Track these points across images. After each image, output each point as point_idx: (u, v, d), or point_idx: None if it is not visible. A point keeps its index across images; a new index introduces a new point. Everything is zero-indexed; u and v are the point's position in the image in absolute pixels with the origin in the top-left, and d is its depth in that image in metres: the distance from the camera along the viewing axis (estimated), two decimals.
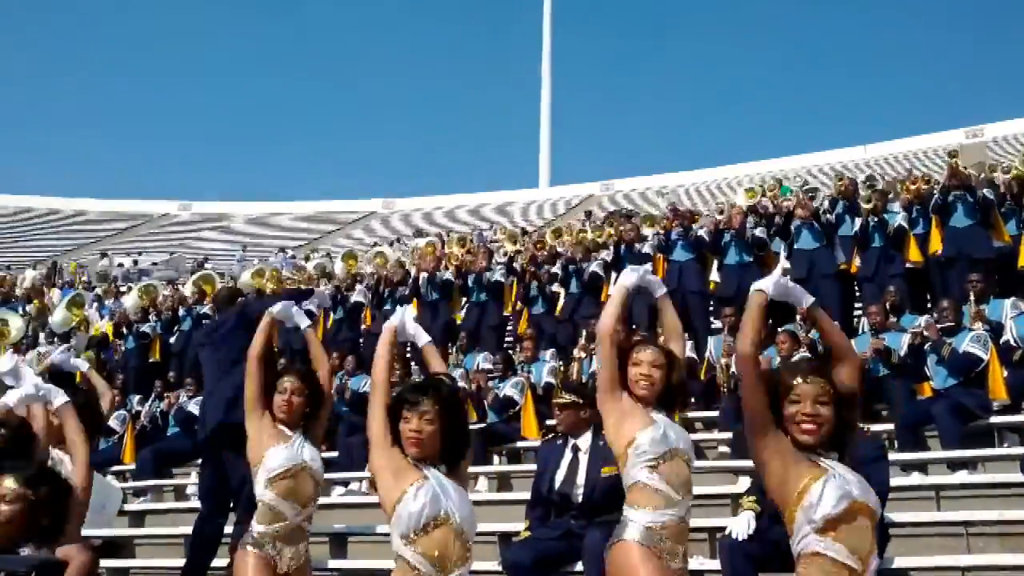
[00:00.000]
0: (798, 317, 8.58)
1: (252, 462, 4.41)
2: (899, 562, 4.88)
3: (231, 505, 5.90)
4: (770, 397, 3.00)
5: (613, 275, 10.73)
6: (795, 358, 7.64)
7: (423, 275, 11.52)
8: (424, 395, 3.19)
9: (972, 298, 7.84)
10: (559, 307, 10.80)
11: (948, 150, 10.90)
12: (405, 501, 3.08)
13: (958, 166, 9.71)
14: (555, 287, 10.85)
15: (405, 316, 3.73)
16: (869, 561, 2.87)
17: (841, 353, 3.27)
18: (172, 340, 12.26)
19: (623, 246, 10.43)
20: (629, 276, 3.90)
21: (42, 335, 14.41)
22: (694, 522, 5.50)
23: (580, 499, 5.13)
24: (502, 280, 11.20)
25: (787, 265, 3.53)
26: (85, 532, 7.49)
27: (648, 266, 4.04)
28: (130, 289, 17.44)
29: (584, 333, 9.61)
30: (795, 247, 9.75)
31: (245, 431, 4.50)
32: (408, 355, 9.86)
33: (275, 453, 4.32)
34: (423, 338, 3.79)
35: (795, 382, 2.97)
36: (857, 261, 9.53)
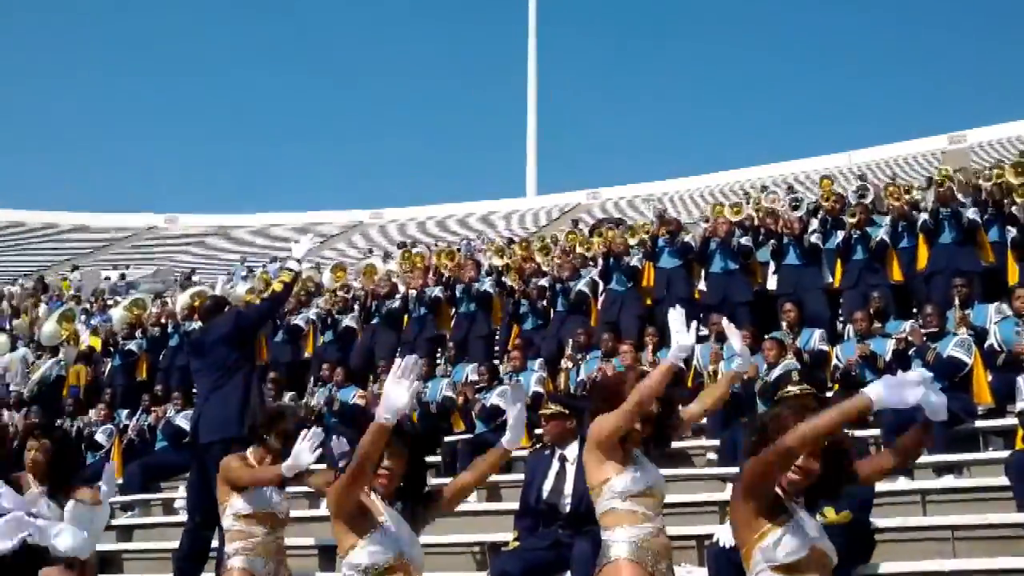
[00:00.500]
0: (784, 324, 8.63)
1: (220, 498, 4.60)
2: (885, 567, 4.92)
3: (219, 519, 5.90)
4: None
5: (600, 287, 10.76)
6: (781, 365, 7.68)
7: (412, 292, 11.51)
8: (394, 435, 3.24)
9: (957, 303, 7.90)
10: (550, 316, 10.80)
11: (934, 179, 10.95)
12: (361, 546, 3.19)
13: (947, 192, 9.75)
14: (545, 302, 10.84)
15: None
16: None
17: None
18: (160, 358, 12.22)
19: (611, 258, 10.43)
20: (681, 351, 3.80)
21: (24, 349, 14.30)
22: (682, 530, 5.55)
23: (568, 509, 5.15)
24: (491, 291, 11.20)
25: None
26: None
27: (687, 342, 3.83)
28: (117, 303, 17.39)
29: (571, 343, 9.64)
30: (783, 263, 9.78)
31: (235, 448, 4.60)
32: None
33: (245, 496, 4.55)
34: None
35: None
36: (839, 275, 9.60)
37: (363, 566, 3.16)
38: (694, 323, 3.94)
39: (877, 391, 2.83)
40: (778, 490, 2.97)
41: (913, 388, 2.83)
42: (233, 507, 4.51)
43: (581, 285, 10.60)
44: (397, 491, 3.38)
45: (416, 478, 3.44)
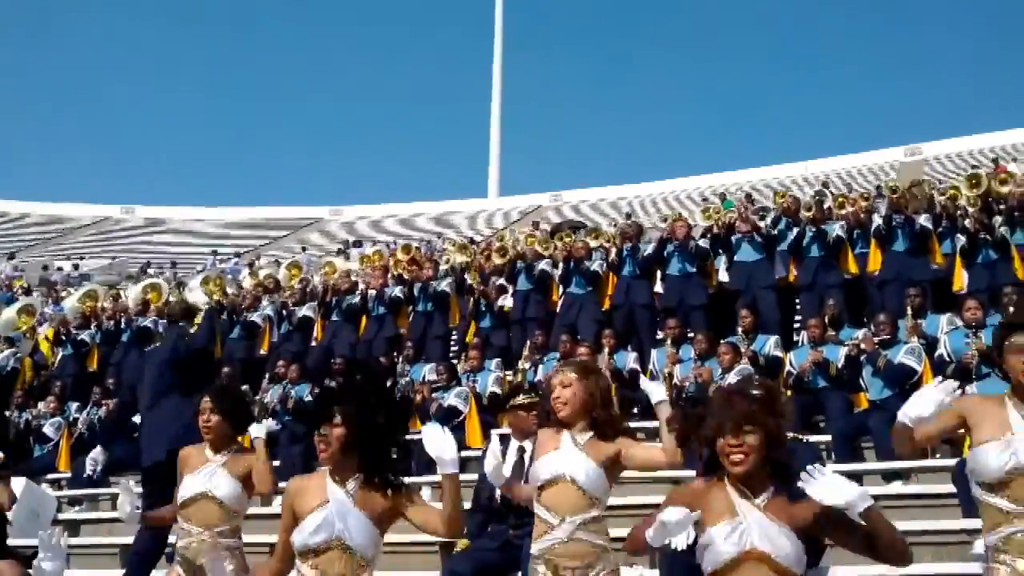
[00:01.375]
0: (740, 329, 8.71)
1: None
2: (834, 571, 4.96)
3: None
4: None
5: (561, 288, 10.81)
6: (736, 370, 7.75)
7: (371, 292, 11.47)
8: (334, 403, 3.23)
9: (910, 312, 8.03)
10: (508, 306, 10.83)
11: (889, 185, 11.14)
12: (302, 525, 3.17)
13: (900, 200, 9.91)
14: (502, 301, 10.86)
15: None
16: None
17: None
18: (114, 351, 12.05)
19: (572, 262, 10.47)
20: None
21: None
22: (637, 499, 5.55)
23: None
24: (448, 291, 11.19)
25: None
26: (18, 541, 7.38)
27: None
28: (69, 293, 17.13)
29: (529, 344, 9.65)
30: (735, 259, 9.87)
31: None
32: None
33: (184, 482, 4.43)
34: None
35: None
36: (795, 271, 9.72)
37: (297, 547, 3.16)
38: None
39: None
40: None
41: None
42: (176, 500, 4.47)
43: (544, 264, 10.68)
44: (358, 466, 3.22)
45: (375, 451, 3.23)
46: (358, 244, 22.06)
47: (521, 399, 5.40)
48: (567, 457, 3.69)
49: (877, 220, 9.77)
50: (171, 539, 5.77)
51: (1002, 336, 3.43)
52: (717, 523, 2.84)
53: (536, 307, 10.49)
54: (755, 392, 2.96)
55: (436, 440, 3.17)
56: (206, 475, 4.39)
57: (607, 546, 3.66)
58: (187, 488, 4.39)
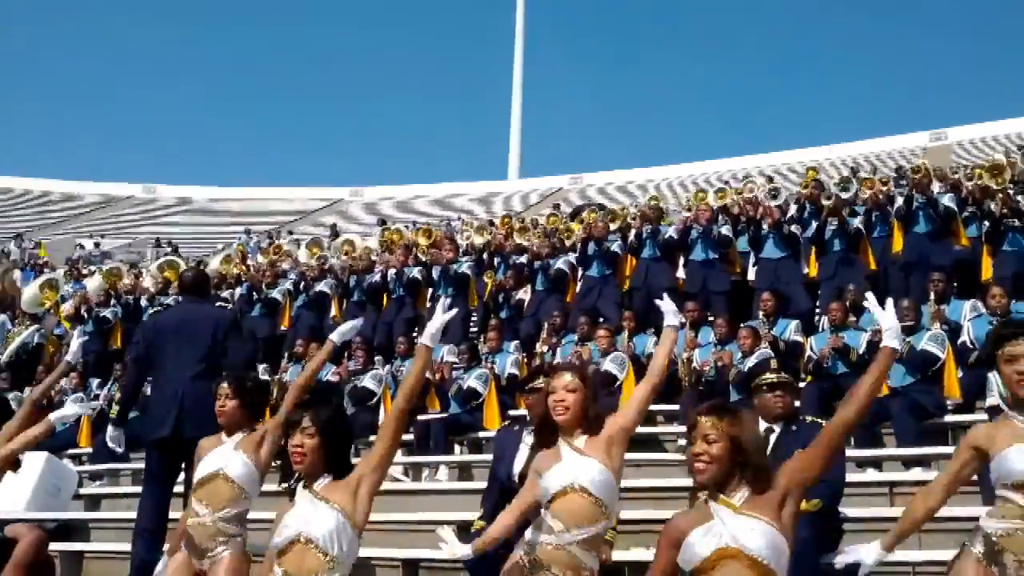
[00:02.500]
0: (760, 314, 8.65)
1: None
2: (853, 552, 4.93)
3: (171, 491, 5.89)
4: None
5: (580, 271, 10.77)
6: (756, 354, 7.71)
7: (391, 271, 11.47)
8: (301, 411, 3.59)
9: (933, 297, 7.96)
10: (524, 305, 10.82)
11: (912, 166, 11.00)
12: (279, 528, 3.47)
13: (923, 179, 9.79)
14: (522, 295, 10.82)
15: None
16: None
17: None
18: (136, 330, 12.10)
19: (591, 242, 10.43)
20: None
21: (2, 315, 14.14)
22: (652, 514, 5.56)
23: None
24: (468, 273, 11.18)
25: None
26: (40, 515, 7.46)
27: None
28: (91, 272, 17.23)
29: (546, 327, 9.63)
30: (761, 256, 9.80)
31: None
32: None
33: (203, 462, 4.46)
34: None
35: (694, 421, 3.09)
36: (816, 266, 9.64)
37: (272, 547, 3.45)
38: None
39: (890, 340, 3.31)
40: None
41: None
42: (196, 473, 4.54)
43: (560, 264, 10.62)
44: (324, 469, 3.55)
45: (337, 449, 3.58)
46: (382, 223, 22.03)
47: (540, 382, 5.38)
48: (572, 466, 3.64)
49: (899, 201, 9.68)
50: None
51: (995, 344, 3.51)
52: (695, 528, 2.98)
53: (554, 306, 10.41)
54: (724, 408, 3.13)
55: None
56: (220, 455, 4.41)
57: (594, 570, 3.61)
58: (202, 469, 4.42)
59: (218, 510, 4.32)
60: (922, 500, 3.68)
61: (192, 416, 5.60)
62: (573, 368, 3.96)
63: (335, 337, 4.84)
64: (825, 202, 9.75)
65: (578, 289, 10.58)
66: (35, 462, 7.98)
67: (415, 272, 11.39)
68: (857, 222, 9.60)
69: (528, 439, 5.29)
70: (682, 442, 7.69)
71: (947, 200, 9.46)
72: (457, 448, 8.56)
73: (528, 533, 3.69)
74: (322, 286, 11.88)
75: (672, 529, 3.08)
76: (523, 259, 11.15)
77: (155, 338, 5.99)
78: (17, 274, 19.82)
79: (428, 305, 11.21)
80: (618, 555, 5.01)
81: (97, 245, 29.21)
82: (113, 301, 12.67)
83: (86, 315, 12.59)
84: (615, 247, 10.40)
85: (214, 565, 4.28)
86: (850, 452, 6.39)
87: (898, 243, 9.43)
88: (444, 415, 8.62)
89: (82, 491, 8.75)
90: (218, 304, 6.26)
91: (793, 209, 10.39)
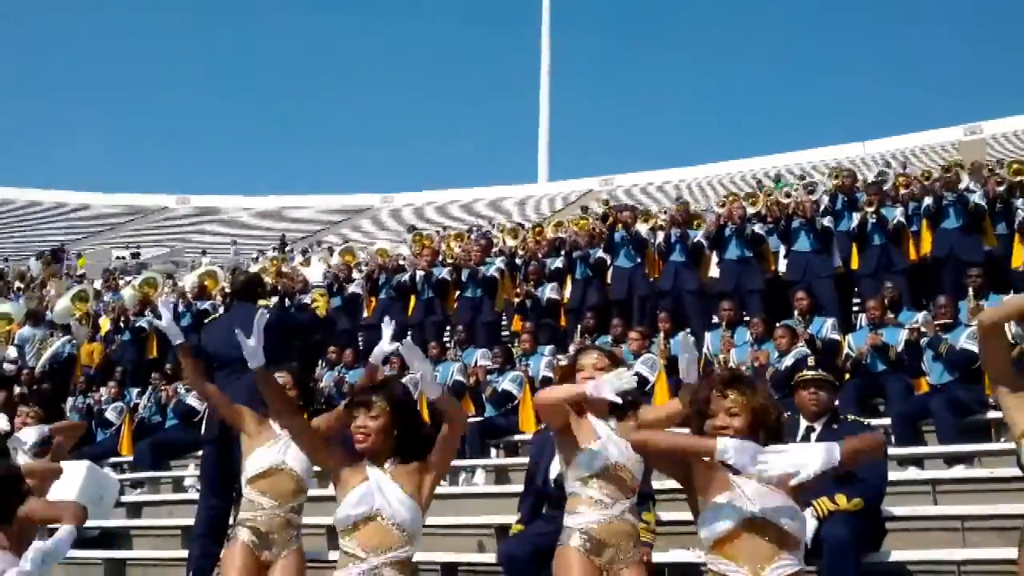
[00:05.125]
0: (796, 312, 8.58)
1: (245, 458, 4.50)
2: (895, 555, 4.89)
3: (231, 494, 5.90)
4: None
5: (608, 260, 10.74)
6: (793, 352, 7.65)
7: (419, 273, 11.51)
8: (371, 393, 3.50)
9: (971, 293, 7.87)
10: (566, 296, 10.80)
11: (945, 164, 10.91)
12: (343, 501, 3.41)
13: (953, 178, 9.72)
14: (550, 293, 10.79)
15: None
16: (766, 569, 2.88)
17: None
18: None
19: (615, 230, 10.45)
20: (601, 388, 3.57)
21: (25, 328, 14.27)
22: (683, 515, 5.53)
23: None
24: (496, 276, 11.19)
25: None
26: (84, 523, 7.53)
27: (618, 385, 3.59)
28: (128, 282, 17.43)
29: (579, 328, 9.63)
30: (792, 249, 9.73)
31: None
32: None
33: (258, 454, 4.42)
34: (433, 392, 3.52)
35: (712, 394, 3.05)
36: (857, 260, 9.55)
37: (338, 522, 3.39)
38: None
39: (725, 445, 2.85)
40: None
41: (757, 458, 2.83)
42: (247, 466, 4.43)
43: (600, 252, 10.61)
44: (393, 452, 3.47)
45: (408, 441, 3.48)
46: (412, 229, 22.17)
47: None
48: (614, 445, 3.69)
49: (928, 200, 9.61)
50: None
51: None
52: (716, 496, 2.94)
53: (596, 294, 10.41)
54: (743, 380, 3.12)
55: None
56: (280, 449, 4.41)
57: (638, 529, 3.78)
58: (260, 460, 4.39)
59: (285, 503, 4.36)
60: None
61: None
62: (607, 351, 3.96)
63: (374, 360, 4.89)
64: (866, 199, 9.66)
65: (609, 279, 10.56)
66: (77, 471, 8.08)
67: (444, 273, 11.41)
68: (899, 215, 9.51)
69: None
70: None
71: (977, 198, 9.35)
72: (493, 451, 8.57)
73: (576, 520, 3.64)
74: (354, 287, 11.96)
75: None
76: (559, 263, 11.11)
77: (208, 345, 6.13)
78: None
79: (456, 306, 11.23)
80: (658, 557, 4.99)
81: (134, 256, 29.57)
82: (149, 311, 12.80)
83: (123, 325, 12.73)
84: (644, 233, 10.40)
85: (285, 559, 4.32)
86: (892, 450, 6.33)
87: (926, 244, 9.35)
88: (479, 419, 8.63)
89: (124, 499, 8.85)
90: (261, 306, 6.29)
91: (825, 200, 10.31)
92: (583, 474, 3.65)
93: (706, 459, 2.93)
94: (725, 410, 2.99)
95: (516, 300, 10.89)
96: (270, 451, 4.40)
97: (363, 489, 3.38)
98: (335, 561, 6.16)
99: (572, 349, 9.36)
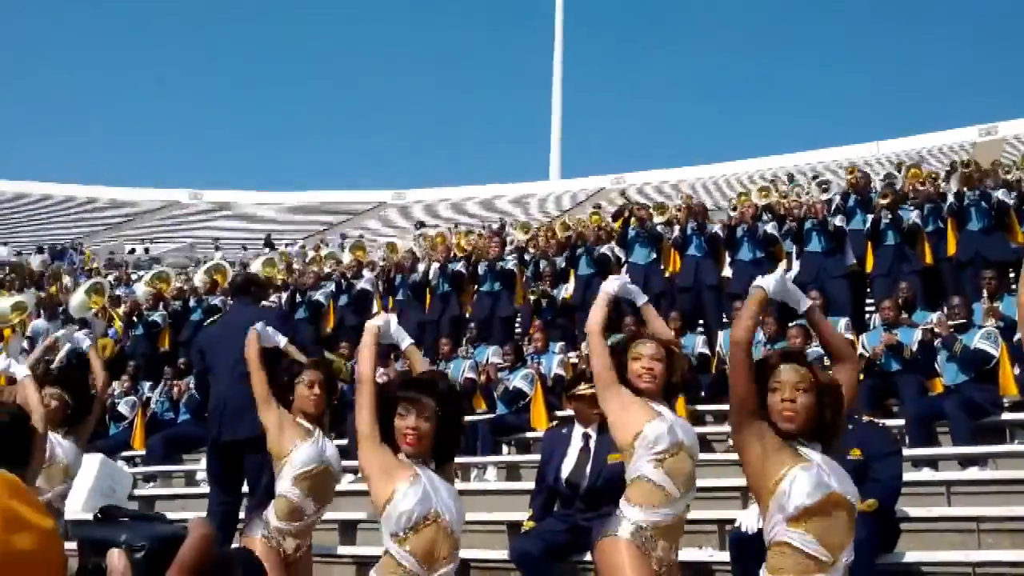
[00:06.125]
0: None
1: (276, 455, 4.37)
2: (910, 556, 4.88)
3: (240, 490, 5.91)
4: (756, 385, 2.95)
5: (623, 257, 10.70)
6: (806, 353, 7.62)
7: (435, 265, 11.50)
8: (424, 392, 3.17)
9: (986, 294, 7.83)
10: (570, 291, 10.77)
11: (962, 160, 10.84)
12: (395, 500, 3.04)
13: (971, 175, 9.65)
14: (564, 292, 10.78)
15: (390, 319, 3.66)
16: (840, 555, 2.81)
17: (839, 354, 3.23)
18: (183, 330, 12.26)
19: (629, 224, 10.42)
20: (611, 284, 4.13)
21: (39, 320, 14.32)
22: (704, 514, 5.53)
23: (585, 485, 5.09)
24: (514, 270, 11.18)
25: (789, 268, 3.57)
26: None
27: (626, 277, 4.21)
28: (140, 277, 17.50)
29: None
30: (805, 250, 9.69)
31: (262, 438, 4.48)
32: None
33: (303, 450, 4.31)
34: (405, 340, 3.75)
35: (776, 368, 2.95)
36: (871, 261, 9.50)
37: (400, 515, 3.02)
38: (626, 277, 4.23)
39: (766, 281, 3.09)
40: (784, 437, 2.90)
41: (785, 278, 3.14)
42: (292, 463, 4.29)
43: (605, 249, 10.58)
44: (432, 453, 3.22)
45: (448, 440, 3.24)
46: (421, 226, 22.20)
47: (584, 388, 5.38)
48: (680, 426, 3.68)
49: (950, 199, 9.53)
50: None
51: None
52: (793, 466, 2.84)
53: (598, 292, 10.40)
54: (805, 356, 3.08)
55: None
56: (322, 446, 4.38)
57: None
58: (306, 459, 4.30)
59: (324, 504, 4.38)
60: None
61: (231, 419, 5.73)
62: (663, 342, 3.91)
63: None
64: (880, 201, 9.61)
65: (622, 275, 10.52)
66: (90, 464, 8.11)
67: (458, 266, 11.41)
68: (914, 216, 9.45)
69: (577, 440, 5.29)
70: (731, 442, 7.62)
71: (1001, 195, 9.29)
72: (505, 448, 8.56)
73: (637, 514, 3.55)
74: (363, 284, 11.96)
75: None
76: (562, 260, 11.11)
77: (206, 346, 6.14)
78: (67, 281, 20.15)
79: (474, 299, 11.22)
80: None
81: (147, 251, 29.66)
82: (162, 305, 12.85)
83: (136, 319, 12.78)
84: (659, 227, 10.36)
85: (303, 556, 4.35)
86: (906, 451, 6.30)
87: (952, 245, 9.28)
88: (490, 416, 8.63)
89: (136, 492, 8.88)
90: (262, 305, 6.27)
91: (837, 199, 10.26)
92: (655, 452, 3.55)
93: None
94: (794, 384, 2.91)
95: (532, 298, 10.87)
96: (314, 447, 4.34)
97: (420, 487, 3.08)
98: (347, 557, 6.22)
99: (584, 348, 9.34)
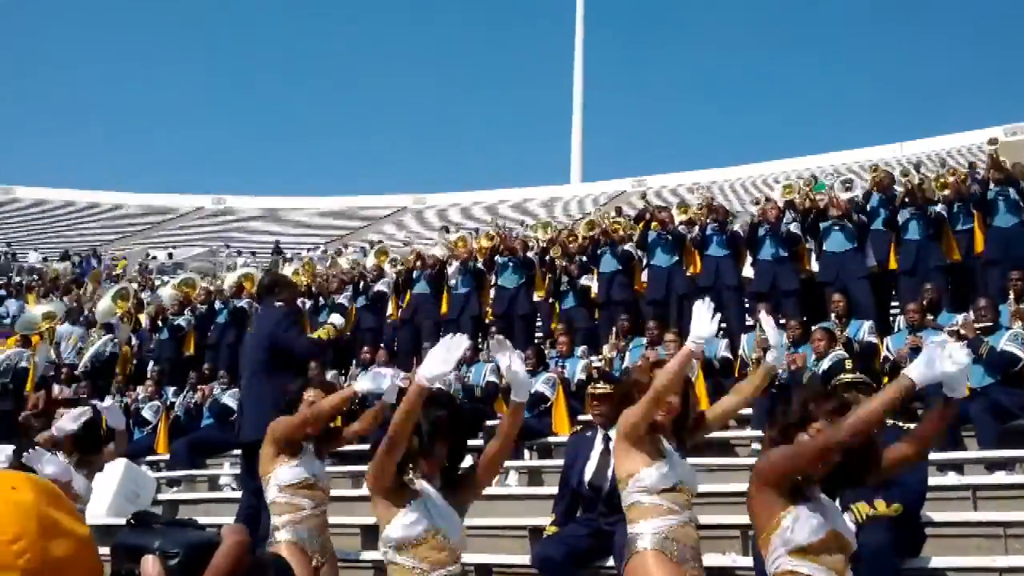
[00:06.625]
0: (832, 315, 8.49)
1: (262, 472, 4.60)
2: (935, 562, 4.82)
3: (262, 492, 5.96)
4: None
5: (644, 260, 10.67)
6: (830, 356, 7.57)
7: (455, 263, 11.51)
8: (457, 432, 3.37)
9: (1012, 296, 7.74)
10: (593, 290, 10.75)
11: (988, 138, 10.67)
12: (395, 523, 3.23)
13: (998, 156, 9.50)
14: (585, 280, 10.75)
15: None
16: None
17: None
18: (208, 334, 12.33)
19: (649, 227, 10.40)
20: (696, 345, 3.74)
21: (65, 325, 14.41)
22: (726, 519, 5.50)
23: (607, 488, 5.07)
24: (535, 260, 11.21)
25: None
26: (117, 521, 7.62)
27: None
28: (164, 282, 17.60)
29: (613, 331, 9.58)
30: (824, 248, 9.60)
31: None
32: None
33: (286, 469, 4.51)
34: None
35: (815, 416, 3.01)
36: (895, 256, 9.41)
37: (395, 539, 3.22)
38: (717, 315, 3.81)
39: (918, 370, 2.79)
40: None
41: (945, 358, 2.78)
42: (278, 478, 4.51)
43: (627, 246, 10.54)
44: (440, 473, 3.39)
45: (456, 460, 3.42)
46: (446, 230, 22.26)
47: (602, 388, 5.38)
48: (678, 464, 3.76)
49: (975, 188, 9.42)
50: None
51: None
52: (799, 504, 2.90)
53: (621, 289, 10.38)
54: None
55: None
56: (308, 462, 4.51)
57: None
58: (304, 471, 4.50)
59: (322, 507, 4.49)
60: None
61: (247, 419, 5.83)
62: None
63: (357, 386, 4.78)
64: (901, 190, 9.53)
65: (644, 278, 10.49)
66: (114, 468, 8.17)
67: (480, 264, 11.44)
68: (939, 208, 9.35)
69: (599, 444, 5.27)
70: (755, 446, 7.59)
71: None
72: (527, 453, 8.55)
73: (650, 525, 3.63)
74: (380, 285, 12.02)
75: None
76: (585, 258, 11.10)
77: (241, 350, 6.41)
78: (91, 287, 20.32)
79: (492, 296, 11.23)
80: None
81: (170, 256, 29.87)
82: (188, 310, 12.92)
83: (161, 323, 12.87)
84: (681, 228, 10.33)
85: (331, 560, 4.46)
86: (931, 455, 6.22)
87: (980, 242, 9.17)
88: None
89: (160, 497, 8.93)
90: (278, 305, 6.40)
91: (860, 194, 10.16)
92: (654, 488, 3.65)
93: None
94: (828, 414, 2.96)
95: (553, 277, 10.85)
96: (312, 463, 4.52)
97: (420, 509, 3.25)
98: (368, 562, 6.23)
99: (607, 351, 9.33)
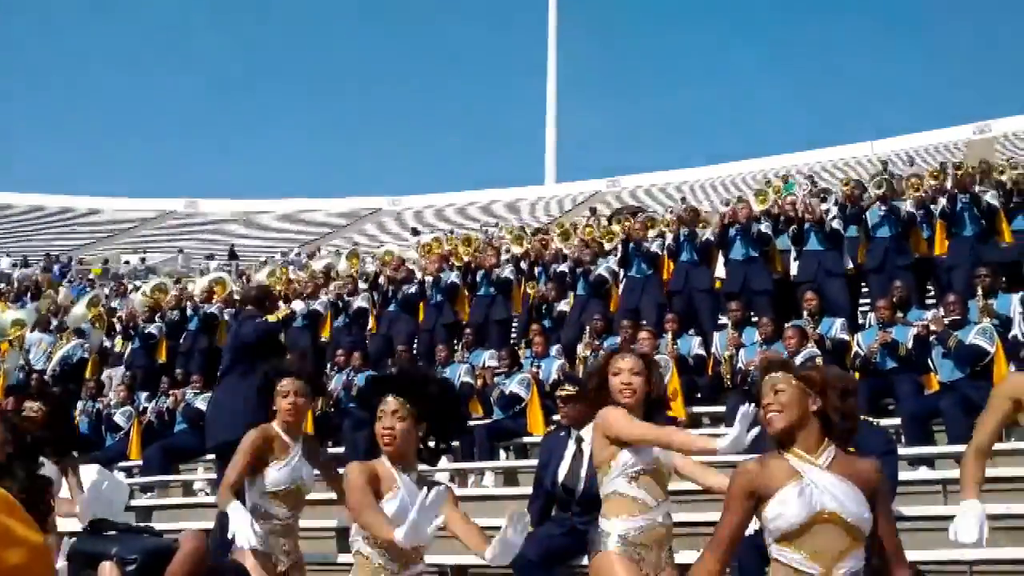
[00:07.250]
0: (805, 313, 8.56)
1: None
2: (907, 556, 4.86)
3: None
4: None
5: (621, 273, 10.70)
6: (802, 353, 7.63)
7: (428, 279, 11.52)
8: (397, 391, 3.18)
9: (980, 292, 7.84)
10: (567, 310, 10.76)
11: (955, 162, 10.90)
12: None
13: (964, 178, 9.71)
14: (563, 305, 10.74)
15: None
16: (834, 567, 2.72)
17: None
18: (181, 341, 12.23)
19: (631, 244, 10.39)
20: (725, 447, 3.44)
21: (35, 332, 14.26)
22: (703, 516, 5.53)
23: (581, 489, 5.09)
24: (511, 278, 11.19)
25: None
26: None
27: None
28: (136, 287, 17.48)
29: (588, 331, 9.60)
30: (804, 249, 9.71)
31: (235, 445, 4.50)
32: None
33: (283, 471, 4.36)
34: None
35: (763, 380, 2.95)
36: (864, 253, 9.53)
37: (364, 536, 3.13)
38: (755, 429, 3.35)
39: (723, 444, 3.19)
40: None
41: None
42: (264, 480, 4.38)
43: (601, 270, 10.56)
44: (417, 453, 3.27)
45: (438, 437, 3.30)
46: (415, 233, 22.24)
47: (568, 389, 5.41)
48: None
49: (943, 201, 9.56)
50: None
51: None
52: (782, 488, 2.75)
53: (595, 311, 10.35)
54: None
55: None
56: (296, 466, 4.40)
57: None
58: (283, 477, 4.35)
59: (297, 512, 4.41)
60: (977, 461, 3.59)
61: (220, 422, 5.84)
62: (640, 354, 3.96)
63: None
64: (875, 191, 9.67)
65: (620, 289, 10.52)
66: (87, 474, 8.07)
67: (453, 277, 11.41)
68: (908, 205, 9.49)
69: (572, 446, 5.29)
70: None
71: (989, 197, 9.31)
72: (503, 454, 8.56)
73: (618, 525, 3.65)
74: (360, 301, 11.93)
75: (743, 478, 2.83)
76: (564, 267, 11.11)
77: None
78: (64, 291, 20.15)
79: (468, 309, 11.22)
80: None
81: (142, 260, 29.65)
82: (158, 317, 12.82)
83: (132, 331, 12.76)
84: (655, 247, 10.35)
85: (297, 564, 4.36)
86: (902, 450, 6.30)
87: (941, 246, 9.35)
88: (487, 421, 8.62)
89: (134, 503, 8.85)
90: (249, 311, 6.50)
91: (834, 210, 10.29)
92: (631, 470, 3.66)
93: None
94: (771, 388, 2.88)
95: (531, 299, 10.86)
96: (287, 469, 4.37)
97: (396, 502, 3.14)
98: (344, 564, 6.20)
99: (581, 351, 9.34)
